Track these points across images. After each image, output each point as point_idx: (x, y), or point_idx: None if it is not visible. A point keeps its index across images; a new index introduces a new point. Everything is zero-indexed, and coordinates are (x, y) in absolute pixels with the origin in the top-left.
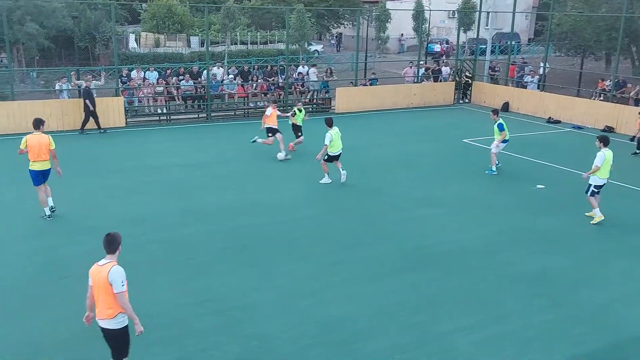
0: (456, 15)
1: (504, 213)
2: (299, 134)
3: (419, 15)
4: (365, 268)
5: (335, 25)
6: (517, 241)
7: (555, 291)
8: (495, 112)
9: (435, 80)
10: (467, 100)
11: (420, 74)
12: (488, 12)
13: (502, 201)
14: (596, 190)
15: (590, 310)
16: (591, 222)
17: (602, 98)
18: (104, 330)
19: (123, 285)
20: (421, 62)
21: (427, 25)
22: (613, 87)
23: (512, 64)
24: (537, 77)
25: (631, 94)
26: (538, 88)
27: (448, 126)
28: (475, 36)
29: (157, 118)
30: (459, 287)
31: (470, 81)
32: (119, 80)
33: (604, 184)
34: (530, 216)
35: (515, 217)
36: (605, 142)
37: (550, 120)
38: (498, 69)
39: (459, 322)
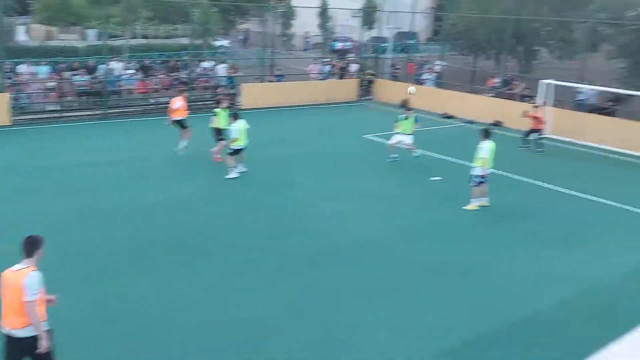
0: (360, 14)
1: (405, 206)
2: (221, 136)
3: (323, 12)
4: (274, 266)
5: (242, 20)
6: (420, 233)
7: (458, 279)
8: (403, 104)
9: (340, 77)
10: (370, 97)
11: (325, 71)
12: (389, 12)
13: (403, 194)
14: (483, 180)
15: (491, 295)
16: (464, 207)
17: (492, 94)
18: (18, 340)
19: (35, 294)
20: (326, 60)
21: (332, 23)
22: (501, 84)
23: (409, 62)
24: (434, 74)
25: (517, 91)
26: (435, 85)
27: (351, 122)
28: (377, 35)
29: (48, 115)
30: (366, 281)
31: (373, 78)
32: (4, 75)
33: (489, 174)
34: (430, 208)
35: (416, 209)
36: (487, 134)
37: (445, 116)
38: (399, 66)
39: (367, 316)
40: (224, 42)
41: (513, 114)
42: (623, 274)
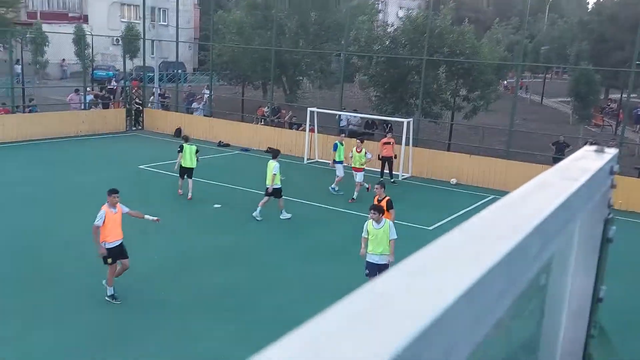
0: (120, 42)
1: (185, 235)
2: None
3: (80, 40)
4: (40, 313)
5: None
6: (199, 260)
7: (239, 301)
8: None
9: (105, 107)
10: (140, 127)
11: (88, 101)
12: (153, 41)
13: (182, 223)
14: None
15: (271, 314)
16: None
17: (262, 123)
18: None
19: None
20: (88, 89)
21: (91, 50)
22: (270, 113)
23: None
24: (203, 103)
25: (286, 119)
26: (205, 114)
27: (122, 153)
28: (142, 64)
29: None
30: (149, 318)
31: (141, 107)
32: None
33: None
34: (210, 234)
35: (196, 237)
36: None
37: (220, 144)
38: (168, 95)
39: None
40: None
41: (283, 141)
42: None
